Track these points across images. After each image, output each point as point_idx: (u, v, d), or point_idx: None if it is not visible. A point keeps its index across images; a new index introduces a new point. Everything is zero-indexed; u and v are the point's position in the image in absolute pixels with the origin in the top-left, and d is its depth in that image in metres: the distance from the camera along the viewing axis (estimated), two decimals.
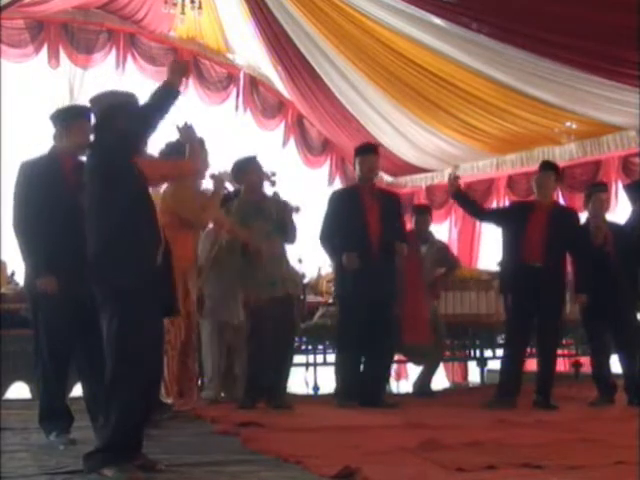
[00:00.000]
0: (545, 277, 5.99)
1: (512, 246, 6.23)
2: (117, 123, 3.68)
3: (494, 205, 10.98)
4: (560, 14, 7.07)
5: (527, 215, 6.23)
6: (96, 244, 3.61)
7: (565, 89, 8.41)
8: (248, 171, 6.00)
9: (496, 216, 7.04)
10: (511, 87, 8.83)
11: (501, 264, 6.52)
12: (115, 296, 3.52)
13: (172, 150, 5.10)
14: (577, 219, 6.56)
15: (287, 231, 6.00)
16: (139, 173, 3.64)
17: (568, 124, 9.28)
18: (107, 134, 3.71)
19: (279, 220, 5.95)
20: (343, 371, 6.23)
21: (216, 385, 6.35)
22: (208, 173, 5.54)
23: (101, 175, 3.64)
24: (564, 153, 9.92)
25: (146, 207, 3.67)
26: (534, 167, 10.24)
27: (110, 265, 3.55)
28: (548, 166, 6.48)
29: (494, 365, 7.80)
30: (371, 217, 6.15)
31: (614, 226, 6.51)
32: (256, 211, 5.95)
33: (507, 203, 10.33)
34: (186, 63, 4.32)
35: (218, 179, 5.61)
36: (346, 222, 6.11)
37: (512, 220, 6.32)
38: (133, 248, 3.55)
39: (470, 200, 6.90)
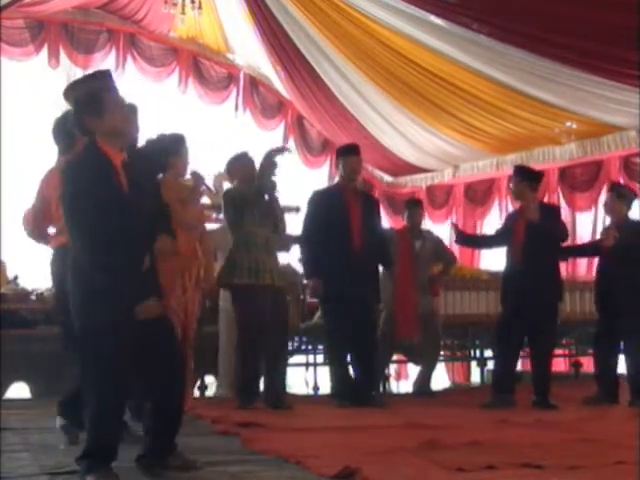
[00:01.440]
0: (530, 279, 6.01)
1: (505, 254, 6.37)
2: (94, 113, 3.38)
3: (496, 205, 11.03)
4: (560, 14, 7.07)
5: (514, 223, 6.35)
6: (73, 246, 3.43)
7: (565, 89, 8.42)
8: (240, 166, 6.02)
9: (497, 237, 6.85)
10: (511, 87, 8.83)
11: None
12: (75, 300, 3.40)
13: (154, 147, 5.06)
14: (557, 213, 6.65)
15: (275, 222, 5.97)
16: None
17: (568, 124, 9.29)
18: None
19: (268, 211, 5.94)
20: (337, 371, 6.24)
21: (228, 384, 6.36)
22: (189, 170, 5.55)
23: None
24: (564, 153, 9.93)
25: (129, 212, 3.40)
26: (535, 167, 10.30)
27: (77, 266, 3.40)
28: (516, 171, 6.49)
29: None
30: (354, 217, 6.17)
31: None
32: (248, 203, 5.94)
33: (509, 203, 10.30)
34: None
35: (198, 176, 5.59)
36: (329, 222, 6.11)
37: (506, 231, 6.45)
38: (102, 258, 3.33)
39: (472, 237, 7.58)
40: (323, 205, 6.24)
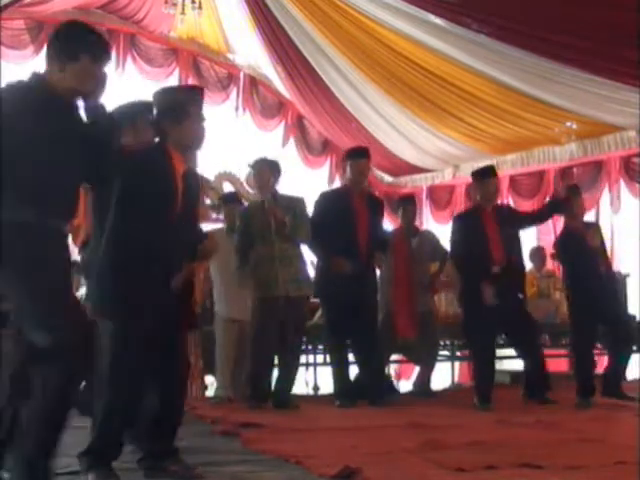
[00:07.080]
0: (507, 276, 5.96)
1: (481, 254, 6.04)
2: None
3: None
4: (560, 14, 7.07)
5: (478, 223, 6.09)
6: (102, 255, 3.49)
7: (566, 89, 8.41)
8: (259, 172, 6.02)
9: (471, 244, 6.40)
10: (511, 87, 8.83)
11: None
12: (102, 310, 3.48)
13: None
14: (514, 210, 7.14)
15: (295, 231, 5.95)
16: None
17: (568, 124, 9.29)
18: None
19: (290, 219, 5.94)
20: (339, 372, 6.23)
21: (227, 384, 6.37)
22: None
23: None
24: (564, 153, 9.93)
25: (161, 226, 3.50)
26: (535, 167, 10.33)
27: (103, 277, 3.48)
28: (494, 172, 6.37)
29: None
30: (360, 220, 6.16)
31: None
32: (260, 212, 5.95)
33: (511, 203, 10.24)
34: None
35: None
36: (335, 224, 6.08)
37: (469, 230, 6.15)
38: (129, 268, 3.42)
39: None
40: (330, 207, 6.22)
